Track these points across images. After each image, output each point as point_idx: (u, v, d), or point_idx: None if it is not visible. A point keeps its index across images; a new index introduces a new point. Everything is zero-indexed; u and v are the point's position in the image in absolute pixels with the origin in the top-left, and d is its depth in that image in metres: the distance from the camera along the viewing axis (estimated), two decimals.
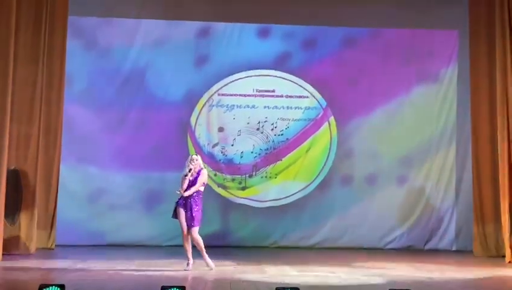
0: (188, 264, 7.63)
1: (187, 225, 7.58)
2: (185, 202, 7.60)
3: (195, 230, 7.60)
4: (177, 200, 7.68)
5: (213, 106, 10.40)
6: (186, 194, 7.58)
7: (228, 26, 10.37)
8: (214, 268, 7.62)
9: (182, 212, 7.61)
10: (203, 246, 7.64)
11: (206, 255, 7.68)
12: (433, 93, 10.53)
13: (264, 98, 10.46)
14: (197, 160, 7.70)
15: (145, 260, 8.44)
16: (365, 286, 6.89)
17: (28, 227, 8.79)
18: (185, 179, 7.59)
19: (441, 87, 10.54)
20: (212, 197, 10.28)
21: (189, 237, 7.64)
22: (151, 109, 10.19)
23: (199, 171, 7.67)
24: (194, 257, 7.64)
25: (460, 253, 9.97)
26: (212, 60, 10.35)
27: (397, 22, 10.42)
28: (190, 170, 7.61)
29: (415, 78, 10.49)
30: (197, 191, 7.63)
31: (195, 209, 7.57)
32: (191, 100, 10.32)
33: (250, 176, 10.41)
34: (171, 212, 7.74)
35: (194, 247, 7.73)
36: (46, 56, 9.01)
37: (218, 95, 10.40)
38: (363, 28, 10.45)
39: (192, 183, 7.61)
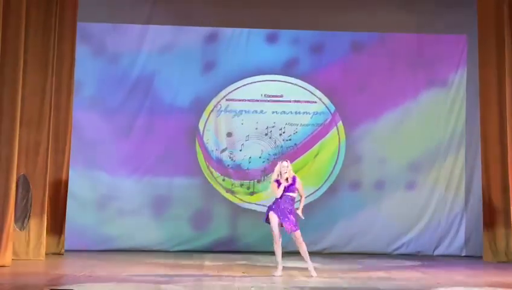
0: (277, 269, 7.63)
1: (289, 230, 7.56)
2: (278, 208, 7.58)
3: (299, 233, 7.60)
4: (270, 205, 7.66)
5: (221, 111, 10.41)
6: (301, 210, 7.68)
7: (236, 31, 10.40)
8: (315, 276, 7.57)
9: (275, 218, 7.58)
10: (306, 250, 7.66)
11: (309, 261, 7.66)
12: (442, 98, 10.50)
13: (272, 103, 10.47)
14: (288, 166, 7.68)
15: (153, 265, 8.45)
16: None
17: (38, 232, 8.83)
18: (280, 186, 7.58)
19: (450, 92, 10.51)
20: (221, 202, 10.30)
21: (280, 241, 7.62)
22: (160, 114, 10.22)
23: (294, 178, 7.68)
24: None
25: (470, 259, 9.92)
26: (220, 66, 10.38)
27: (405, 27, 10.41)
28: (287, 178, 7.60)
29: (424, 83, 10.46)
30: (292, 197, 7.63)
31: (292, 214, 7.56)
32: (199, 106, 10.35)
33: (259, 181, 10.41)
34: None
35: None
36: (55, 62, 9.06)
37: (226, 100, 10.42)
38: (371, 33, 10.44)
39: (288, 189, 7.60)
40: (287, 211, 7.58)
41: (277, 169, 7.71)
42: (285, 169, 7.63)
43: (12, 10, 8.12)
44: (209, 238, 10.17)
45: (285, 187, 7.60)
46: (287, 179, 7.61)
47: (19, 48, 8.18)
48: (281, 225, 7.63)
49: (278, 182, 7.67)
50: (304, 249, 7.65)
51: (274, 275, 7.60)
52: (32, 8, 8.66)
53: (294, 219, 7.60)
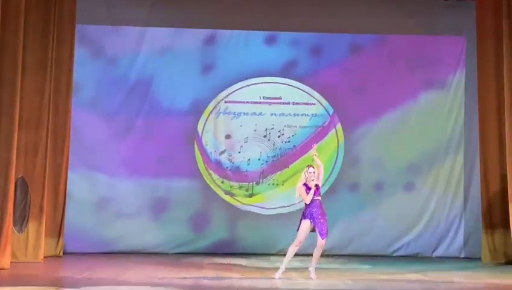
0: (278, 272, 7.62)
1: (322, 235, 7.53)
2: (310, 214, 7.58)
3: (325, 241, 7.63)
4: (303, 212, 7.65)
5: (220, 113, 10.41)
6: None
7: (235, 33, 10.40)
8: (314, 278, 7.59)
9: (307, 225, 7.56)
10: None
11: (314, 264, 7.68)
12: (441, 99, 10.50)
13: (271, 105, 10.47)
14: (315, 172, 7.67)
15: (153, 267, 8.44)
16: None
17: (36, 235, 8.81)
18: (309, 192, 7.58)
19: (448, 93, 10.52)
20: (219, 204, 10.29)
21: (298, 247, 7.59)
22: (158, 116, 10.22)
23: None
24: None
25: (469, 260, 9.92)
26: (218, 68, 10.38)
27: (404, 29, 10.41)
28: (317, 185, 7.61)
29: (422, 85, 10.47)
30: (320, 201, 7.63)
31: (324, 219, 7.58)
32: (198, 108, 10.34)
33: (258, 183, 10.40)
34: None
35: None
36: (54, 64, 9.07)
37: (225, 102, 10.41)
38: (370, 35, 10.45)
39: (315, 193, 7.61)
40: (320, 216, 7.59)
41: (303, 175, 7.70)
42: (312, 176, 7.63)
43: (11, 12, 8.11)
44: (208, 241, 10.16)
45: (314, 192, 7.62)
46: (316, 185, 7.60)
47: (18, 49, 8.17)
48: (312, 230, 7.62)
49: (306, 186, 7.66)
50: (319, 254, 7.69)
51: (274, 277, 7.59)
52: (31, 10, 8.66)
53: (326, 225, 7.61)
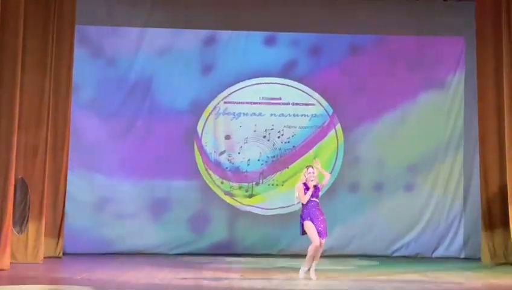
0: (303, 272, 7.60)
1: (321, 235, 7.50)
2: (309, 216, 7.55)
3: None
4: (301, 214, 7.63)
5: (220, 113, 10.41)
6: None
7: (234, 34, 10.40)
8: (314, 279, 7.56)
9: (311, 224, 7.53)
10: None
11: (315, 265, 7.65)
12: (440, 100, 10.51)
13: (271, 105, 10.47)
14: (314, 173, 7.67)
15: (152, 268, 8.43)
16: None
17: (36, 236, 8.80)
18: (307, 192, 7.57)
19: (448, 93, 10.53)
20: (219, 205, 10.29)
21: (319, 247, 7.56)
22: (158, 117, 10.22)
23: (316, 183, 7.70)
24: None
25: (469, 260, 9.92)
26: (218, 68, 10.38)
27: (403, 29, 10.42)
28: (315, 185, 7.59)
29: (422, 85, 10.48)
30: (317, 202, 7.62)
31: (321, 219, 7.55)
32: (197, 108, 10.34)
33: (257, 184, 10.40)
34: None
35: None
36: (54, 65, 9.06)
37: (225, 103, 10.42)
38: (370, 35, 10.45)
39: (313, 194, 7.58)
40: (318, 216, 7.57)
41: (303, 175, 7.70)
42: (311, 176, 7.62)
43: (11, 12, 8.10)
44: (207, 241, 10.15)
45: (312, 192, 7.61)
46: (314, 185, 7.61)
47: (17, 49, 8.16)
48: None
49: (305, 185, 7.67)
50: (319, 255, 7.67)
51: (311, 278, 7.54)
52: (30, 10, 8.65)
53: (325, 225, 7.59)
